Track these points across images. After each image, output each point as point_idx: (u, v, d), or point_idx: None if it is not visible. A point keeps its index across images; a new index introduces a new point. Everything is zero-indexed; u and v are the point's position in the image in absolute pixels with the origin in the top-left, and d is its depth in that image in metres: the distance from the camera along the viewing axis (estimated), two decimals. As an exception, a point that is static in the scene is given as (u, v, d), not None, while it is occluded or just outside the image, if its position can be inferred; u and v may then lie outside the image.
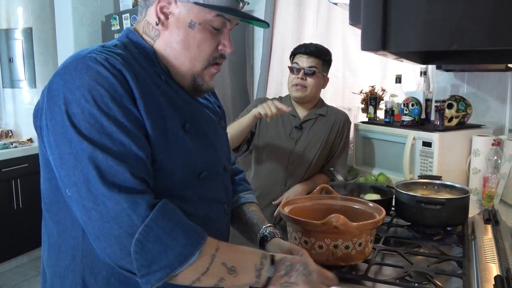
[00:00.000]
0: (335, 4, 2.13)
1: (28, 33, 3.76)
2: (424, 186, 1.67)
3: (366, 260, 1.18)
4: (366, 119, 2.37)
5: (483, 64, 1.90)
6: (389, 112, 2.18)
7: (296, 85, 1.96)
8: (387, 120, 2.19)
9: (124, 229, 0.76)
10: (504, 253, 1.22)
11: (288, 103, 2.04)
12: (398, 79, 2.31)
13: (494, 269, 1.15)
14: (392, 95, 2.32)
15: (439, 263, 1.22)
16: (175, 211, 0.82)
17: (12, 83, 3.91)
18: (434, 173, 1.88)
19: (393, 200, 1.61)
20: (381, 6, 0.73)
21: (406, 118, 2.07)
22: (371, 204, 1.28)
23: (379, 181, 2.07)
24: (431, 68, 2.35)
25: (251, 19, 0.95)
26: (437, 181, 1.67)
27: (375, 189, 1.72)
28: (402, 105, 2.11)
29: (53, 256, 0.93)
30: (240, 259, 0.86)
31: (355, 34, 2.75)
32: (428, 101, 2.17)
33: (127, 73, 0.82)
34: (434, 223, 1.48)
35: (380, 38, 0.72)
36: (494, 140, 1.81)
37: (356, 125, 2.32)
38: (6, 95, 3.97)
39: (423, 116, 2.11)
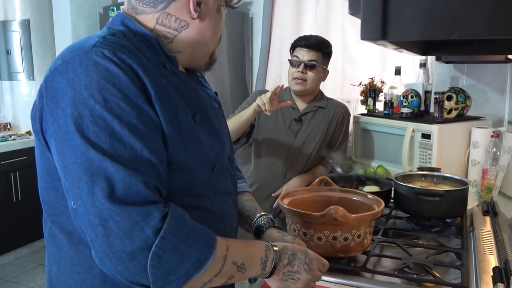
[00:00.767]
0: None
1: (26, 25, 3.74)
2: (423, 178, 1.67)
3: (365, 251, 1.19)
4: (365, 111, 2.37)
5: (482, 55, 1.89)
6: (388, 104, 2.18)
7: (296, 78, 1.95)
8: (386, 112, 2.19)
9: (138, 244, 0.70)
10: (503, 245, 1.22)
11: (288, 96, 2.04)
12: (398, 71, 2.31)
13: (492, 261, 1.15)
14: (392, 87, 2.31)
15: (438, 254, 1.23)
16: (185, 215, 0.77)
17: (10, 76, 3.89)
18: (433, 165, 1.88)
19: (392, 192, 1.61)
20: (381, -5, 0.72)
21: (405, 110, 2.06)
22: (370, 196, 1.28)
23: (378, 173, 2.07)
24: (430, 60, 2.34)
25: None
26: (436, 173, 1.67)
27: (374, 181, 1.72)
28: (401, 97, 2.11)
29: (65, 269, 0.86)
30: (248, 254, 0.85)
31: (355, 25, 2.74)
32: (427, 93, 2.17)
33: (138, 68, 0.76)
34: (433, 215, 1.48)
35: (380, 27, 0.72)
36: (493, 132, 1.81)
37: (355, 117, 2.32)
38: (4, 87, 3.95)
39: (422, 108, 2.11)
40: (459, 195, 1.50)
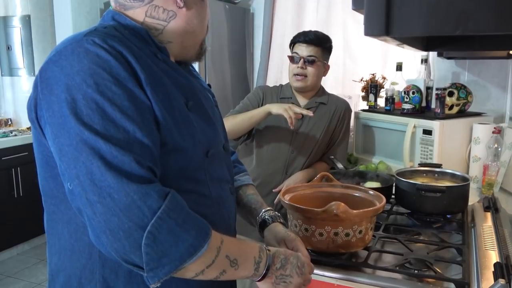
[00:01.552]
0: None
1: (26, 20, 3.73)
2: (424, 174, 1.67)
3: (366, 247, 1.19)
4: (367, 107, 2.36)
5: (485, 51, 1.89)
6: (389, 100, 2.18)
7: (297, 75, 1.95)
8: (387, 108, 2.18)
9: (135, 222, 0.72)
10: (504, 241, 1.22)
11: (289, 91, 2.04)
12: (399, 67, 2.30)
13: (493, 256, 1.15)
14: (393, 83, 2.31)
15: (439, 250, 1.23)
16: (183, 202, 0.79)
17: (11, 71, 3.89)
18: (434, 161, 1.88)
19: (393, 188, 1.61)
20: (385, -10, 0.72)
21: (407, 106, 2.06)
22: (371, 192, 1.28)
23: (379, 169, 2.07)
24: (432, 55, 2.33)
25: None
26: (437, 169, 1.67)
27: (375, 177, 1.73)
28: (402, 93, 2.10)
29: (65, 258, 0.88)
30: (241, 251, 0.85)
31: (356, 21, 2.74)
32: (428, 89, 2.16)
33: (127, 54, 0.78)
34: (434, 210, 1.48)
35: (383, 23, 0.71)
36: (494, 128, 1.81)
37: (356, 113, 2.32)
38: (5, 83, 3.95)
39: (423, 104, 2.11)
40: (460, 191, 1.50)
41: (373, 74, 2.50)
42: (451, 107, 2.03)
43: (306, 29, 2.13)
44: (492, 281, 0.98)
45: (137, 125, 0.76)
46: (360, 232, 1.12)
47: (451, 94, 2.02)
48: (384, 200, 1.20)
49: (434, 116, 1.94)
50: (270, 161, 1.98)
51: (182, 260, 0.74)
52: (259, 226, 1.09)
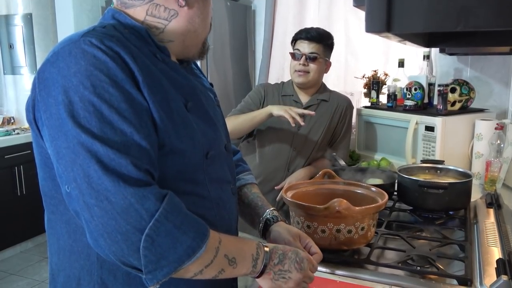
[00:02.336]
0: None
1: (28, 19, 3.74)
2: (427, 171, 1.67)
3: (368, 244, 1.19)
4: (369, 104, 2.36)
5: (487, 47, 1.88)
6: (391, 96, 2.17)
7: (298, 71, 1.95)
8: (389, 104, 2.18)
9: (132, 225, 0.72)
10: (506, 237, 1.22)
11: (290, 88, 2.04)
12: (401, 63, 2.30)
13: (496, 253, 1.15)
14: (395, 80, 2.31)
15: (441, 246, 1.23)
16: (181, 204, 0.79)
17: (13, 70, 3.89)
18: (437, 157, 1.88)
19: (396, 184, 1.61)
20: (385, -14, 0.72)
21: (409, 103, 2.05)
22: (373, 189, 1.28)
23: (381, 165, 2.07)
24: (434, 52, 2.33)
25: None
26: (440, 166, 1.67)
27: (378, 173, 1.72)
28: (404, 90, 2.10)
29: (64, 258, 0.88)
30: (239, 250, 0.85)
31: (358, 18, 2.73)
32: (431, 85, 2.16)
33: (125, 55, 0.77)
34: (436, 207, 1.48)
35: (384, 20, 0.71)
36: (497, 124, 1.80)
37: (358, 110, 2.32)
38: (7, 81, 3.96)
39: (426, 100, 2.10)
40: (463, 188, 1.49)
41: (375, 71, 2.50)
42: (453, 104, 2.02)
43: (308, 26, 2.14)
44: (494, 278, 0.98)
45: (135, 128, 0.75)
46: (363, 229, 1.12)
47: (453, 90, 2.01)
48: (386, 196, 1.20)
49: (436, 113, 1.93)
50: (272, 159, 1.98)
51: (180, 262, 0.75)
52: (264, 224, 1.08)
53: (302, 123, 1.78)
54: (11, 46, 3.84)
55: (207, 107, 0.96)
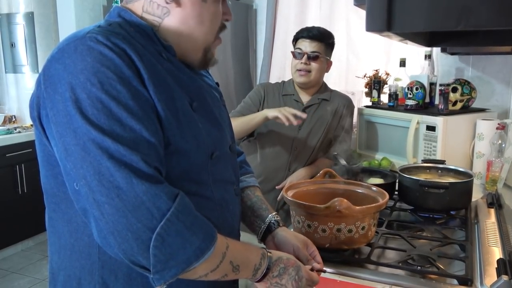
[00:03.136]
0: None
1: (30, 17, 3.74)
2: (428, 170, 1.67)
3: (369, 243, 1.19)
4: (370, 103, 2.36)
5: (488, 47, 1.88)
6: (393, 96, 2.17)
7: (300, 70, 1.95)
8: (391, 104, 2.18)
9: (143, 223, 0.71)
10: (507, 237, 1.22)
11: (291, 88, 2.04)
12: (402, 63, 2.29)
13: (496, 253, 1.15)
14: (396, 79, 2.30)
15: (442, 246, 1.23)
16: (190, 204, 0.78)
17: (15, 68, 3.90)
18: (438, 157, 1.87)
19: (397, 184, 1.61)
20: (386, -14, 0.71)
21: (410, 102, 2.05)
22: (374, 188, 1.28)
23: (382, 165, 2.07)
24: (435, 51, 2.32)
25: None
26: (441, 165, 1.67)
27: (379, 173, 1.72)
28: (406, 89, 2.10)
29: (65, 257, 0.87)
30: (245, 258, 0.86)
31: (359, 17, 2.73)
32: (432, 84, 2.15)
33: (131, 52, 0.76)
34: (437, 207, 1.48)
35: (385, 19, 0.71)
36: (498, 124, 1.80)
37: (359, 109, 2.31)
38: (9, 80, 3.96)
39: (427, 100, 2.10)
40: (464, 187, 1.49)
41: (376, 70, 2.49)
42: (454, 103, 2.02)
43: (309, 25, 2.13)
44: (495, 278, 0.98)
45: (143, 124, 0.74)
46: (363, 228, 1.12)
47: (454, 90, 2.01)
48: (387, 196, 1.20)
49: (438, 112, 1.93)
50: (273, 158, 1.98)
51: (188, 263, 0.74)
52: (267, 227, 1.08)
53: (295, 123, 1.78)
54: (12, 45, 3.85)
55: (212, 107, 0.94)
